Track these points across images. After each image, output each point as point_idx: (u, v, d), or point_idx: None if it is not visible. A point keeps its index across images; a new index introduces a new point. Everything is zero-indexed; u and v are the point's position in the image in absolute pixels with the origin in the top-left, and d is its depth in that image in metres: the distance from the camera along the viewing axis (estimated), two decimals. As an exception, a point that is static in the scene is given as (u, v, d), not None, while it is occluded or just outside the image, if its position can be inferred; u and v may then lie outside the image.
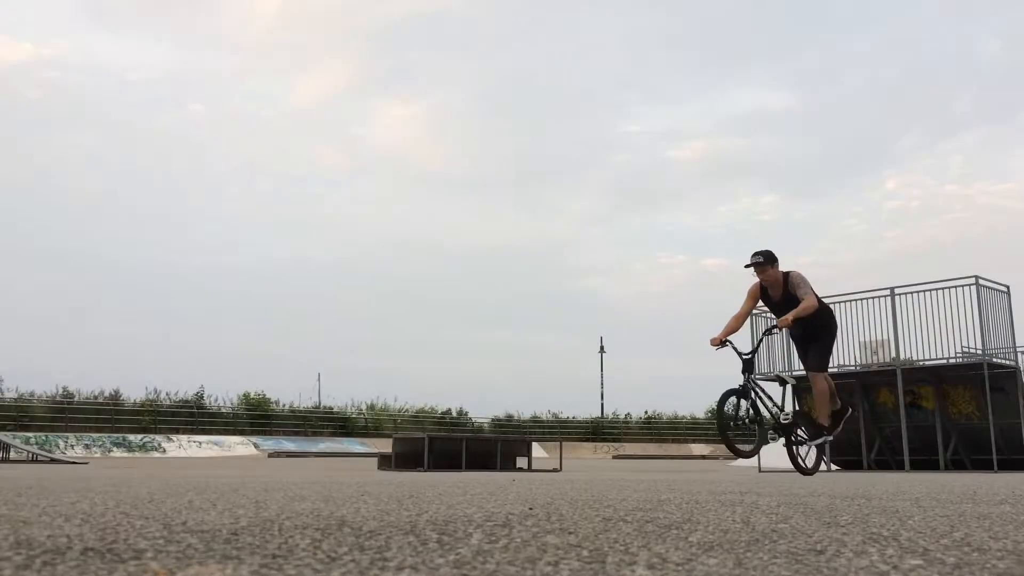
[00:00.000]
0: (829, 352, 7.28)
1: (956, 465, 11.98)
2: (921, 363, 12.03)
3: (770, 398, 7.06)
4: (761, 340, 8.34)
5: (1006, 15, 50.18)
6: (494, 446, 10.99)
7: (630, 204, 60.12)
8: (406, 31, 53.03)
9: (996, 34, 52.23)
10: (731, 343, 6.93)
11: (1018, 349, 12.16)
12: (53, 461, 15.17)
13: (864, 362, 12.60)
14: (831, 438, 7.13)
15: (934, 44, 53.63)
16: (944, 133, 55.52)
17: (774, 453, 16.55)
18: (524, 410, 36.32)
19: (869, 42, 53.80)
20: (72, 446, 24.00)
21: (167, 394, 31.00)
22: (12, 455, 16.05)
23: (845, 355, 12.80)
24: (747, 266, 6.98)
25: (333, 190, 55.57)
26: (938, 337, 11.75)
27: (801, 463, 7.07)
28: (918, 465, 12.07)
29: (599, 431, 35.08)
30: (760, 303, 7.25)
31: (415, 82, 54.76)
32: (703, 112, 57.38)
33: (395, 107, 54.92)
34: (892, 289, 12.29)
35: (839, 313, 12.79)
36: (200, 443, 27.32)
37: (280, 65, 54.18)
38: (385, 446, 16.43)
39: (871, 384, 12.92)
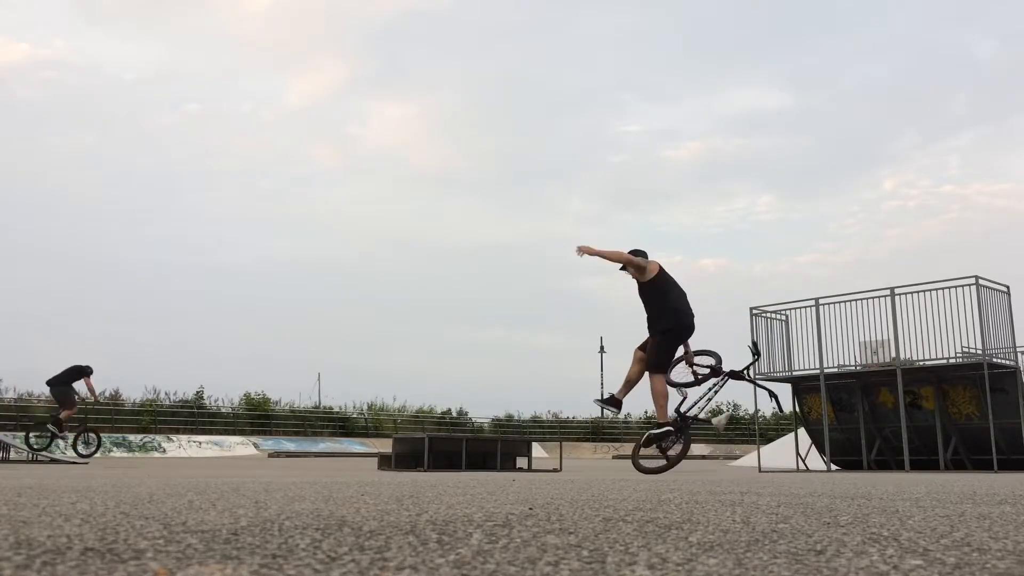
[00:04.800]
0: (661, 352, 7.13)
1: (956, 465, 11.98)
2: (921, 363, 12.03)
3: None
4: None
5: (1002, 15, 50.17)
6: (494, 446, 10.98)
7: (628, 204, 60.08)
8: (402, 30, 53.03)
9: (992, 34, 52.24)
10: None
11: (1018, 349, 12.16)
12: (53, 461, 15.15)
13: (864, 362, 12.60)
14: (661, 432, 7.33)
15: (930, 44, 53.61)
16: (941, 133, 55.50)
17: (774, 453, 16.56)
18: (524, 410, 36.31)
19: (865, 42, 53.80)
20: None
21: (167, 394, 30.98)
22: (12, 455, 16.04)
23: (845, 355, 12.81)
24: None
25: (332, 190, 55.55)
26: (938, 337, 11.76)
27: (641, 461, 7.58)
28: (918, 465, 12.07)
29: (599, 431, 35.07)
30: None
31: (413, 81, 54.76)
32: (700, 112, 57.37)
33: (393, 106, 54.94)
34: (892, 289, 12.29)
35: (839, 313, 12.81)
36: (200, 443, 27.30)
37: (276, 64, 54.16)
38: (385, 446, 16.42)
39: (871, 384, 12.91)
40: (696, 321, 7.38)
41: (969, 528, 1.91)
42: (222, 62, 53.36)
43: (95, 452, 14.72)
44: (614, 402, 7.41)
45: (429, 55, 54.82)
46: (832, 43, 53.56)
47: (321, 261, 53.79)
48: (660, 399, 7.11)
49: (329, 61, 53.81)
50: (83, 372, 14.26)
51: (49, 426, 13.99)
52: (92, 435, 14.83)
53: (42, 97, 47.72)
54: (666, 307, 7.14)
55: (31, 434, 14.23)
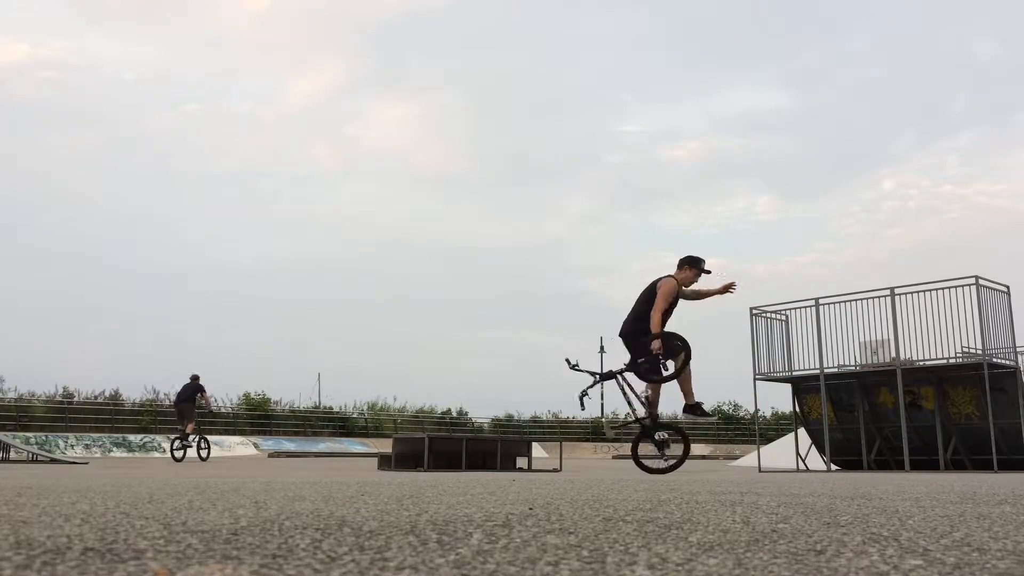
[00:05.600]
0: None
1: (956, 465, 11.98)
2: (921, 363, 12.03)
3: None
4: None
5: (1002, 15, 50.21)
6: (494, 446, 10.98)
7: (627, 204, 60.14)
8: (402, 30, 53.06)
9: (991, 34, 52.26)
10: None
11: (1018, 349, 12.15)
12: (53, 461, 15.18)
13: (864, 362, 12.60)
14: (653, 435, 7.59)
15: (929, 44, 53.68)
16: (940, 133, 55.57)
17: (774, 453, 16.55)
18: (524, 410, 36.35)
19: (864, 42, 53.82)
20: (72, 446, 23.98)
21: (167, 394, 30.96)
22: (12, 455, 16.06)
23: (845, 355, 12.81)
24: (707, 271, 7.44)
25: (332, 190, 55.59)
26: (938, 337, 11.75)
27: (645, 462, 7.66)
28: (918, 465, 12.07)
29: (599, 431, 35.07)
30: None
31: (412, 81, 54.79)
32: (700, 112, 57.44)
33: (392, 106, 54.95)
34: (892, 289, 12.29)
35: (839, 313, 12.82)
36: (200, 443, 27.29)
37: (276, 64, 54.20)
38: (385, 446, 16.42)
39: (871, 384, 12.91)
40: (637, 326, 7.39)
41: (969, 528, 1.91)
42: (222, 62, 53.40)
43: (209, 453, 17.23)
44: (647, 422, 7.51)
45: (429, 55, 54.86)
46: (832, 43, 53.60)
47: (321, 261, 53.84)
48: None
49: (328, 61, 53.83)
50: (199, 389, 16.90)
51: (181, 439, 16.48)
52: (205, 440, 17.17)
53: (42, 97, 47.78)
54: None
55: (174, 444, 16.70)
